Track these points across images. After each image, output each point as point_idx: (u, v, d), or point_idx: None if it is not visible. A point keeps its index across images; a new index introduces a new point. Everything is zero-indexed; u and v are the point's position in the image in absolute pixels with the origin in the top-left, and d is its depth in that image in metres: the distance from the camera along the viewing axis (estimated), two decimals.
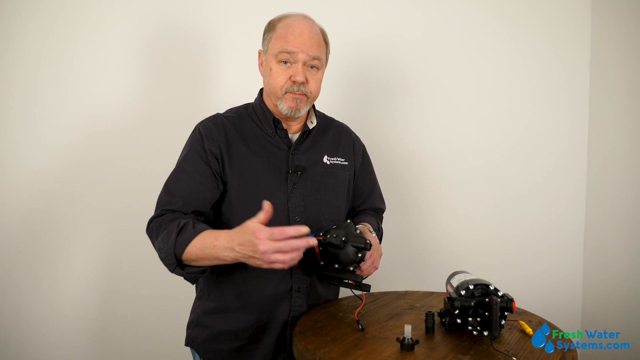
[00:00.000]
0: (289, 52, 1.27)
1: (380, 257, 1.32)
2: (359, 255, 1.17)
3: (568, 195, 2.10)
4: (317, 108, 1.47)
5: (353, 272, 1.21)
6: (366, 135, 1.62)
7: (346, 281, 1.26)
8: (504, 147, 2.09)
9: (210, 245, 1.11)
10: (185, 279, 1.22)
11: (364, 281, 1.26)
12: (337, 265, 1.20)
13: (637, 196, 1.85)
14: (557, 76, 2.08)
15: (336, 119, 1.54)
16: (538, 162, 2.10)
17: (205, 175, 1.28)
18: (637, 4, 1.87)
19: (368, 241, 1.16)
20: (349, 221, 1.22)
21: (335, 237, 1.15)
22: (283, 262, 1.03)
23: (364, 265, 1.24)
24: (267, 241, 1.01)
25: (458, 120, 2.08)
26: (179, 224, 1.15)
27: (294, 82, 1.29)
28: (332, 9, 2.01)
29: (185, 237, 1.13)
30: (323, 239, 1.17)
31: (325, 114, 1.52)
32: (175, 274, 1.19)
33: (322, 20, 1.38)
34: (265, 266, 1.05)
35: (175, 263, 1.16)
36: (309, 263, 1.28)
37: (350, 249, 1.16)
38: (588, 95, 2.08)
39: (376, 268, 1.30)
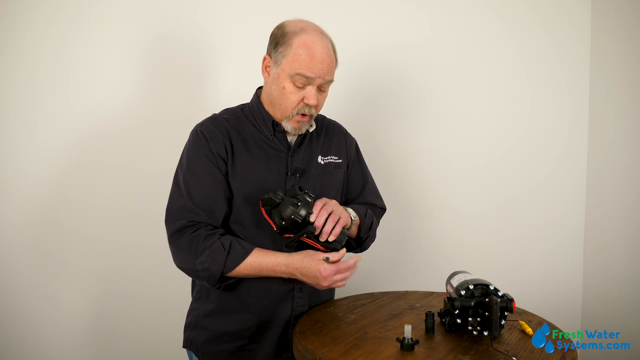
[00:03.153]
0: (307, 77, 1.24)
1: (341, 212, 1.23)
2: (299, 204, 1.17)
3: (568, 195, 2.10)
4: None
5: (308, 226, 1.19)
6: (366, 136, 1.62)
7: (307, 242, 1.21)
8: (504, 148, 2.09)
9: (268, 269, 1.22)
10: (211, 286, 1.26)
11: (356, 252, 1.27)
12: (290, 226, 1.18)
13: (637, 196, 1.85)
14: (557, 76, 2.08)
15: (334, 119, 1.53)
16: (538, 162, 2.09)
17: (218, 179, 1.28)
18: (637, 4, 1.86)
19: (304, 191, 1.19)
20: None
21: (274, 195, 1.18)
22: (342, 283, 1.21)
23: (322, 222, 1.19)
24: (330, 278, 1.16)
25: (458, 121, 2.08)
26: (223, 245, 1.21)
27: (306, 104, 1.27)
28: (329, 14, 2.00)
29: (235, 257, 1.21)
30: (262, 201, 1.20)
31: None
32: (211, 286, 1.26)
33: (317, 22, 1.35)
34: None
35: (218, 279, 1.23)
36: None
37: (287, 201, 1.18)
38: (588, 95, 2.08)
39: (342, 226, 1.22)
